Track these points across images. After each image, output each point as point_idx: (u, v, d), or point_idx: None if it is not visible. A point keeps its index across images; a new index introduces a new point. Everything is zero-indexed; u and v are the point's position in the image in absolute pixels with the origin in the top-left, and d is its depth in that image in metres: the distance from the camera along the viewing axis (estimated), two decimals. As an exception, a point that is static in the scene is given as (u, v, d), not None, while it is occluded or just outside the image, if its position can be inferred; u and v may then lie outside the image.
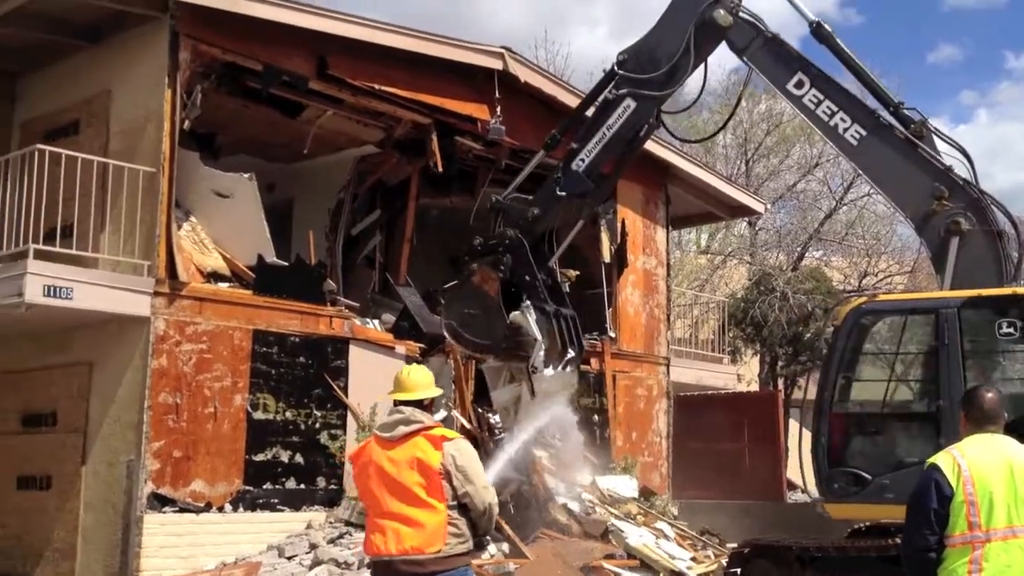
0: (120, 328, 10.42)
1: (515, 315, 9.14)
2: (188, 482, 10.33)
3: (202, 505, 10.40)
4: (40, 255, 9.90)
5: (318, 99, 12.67)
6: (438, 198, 15.47)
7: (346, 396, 11.76)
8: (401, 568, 4.93)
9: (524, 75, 13.68)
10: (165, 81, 10.66)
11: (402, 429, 5.14)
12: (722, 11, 9.13)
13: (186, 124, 11.06)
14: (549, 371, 9.27)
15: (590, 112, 10.30)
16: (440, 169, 13.59)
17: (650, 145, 15.97)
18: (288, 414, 11.28)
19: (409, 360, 12.64)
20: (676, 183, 16.69)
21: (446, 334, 9.21)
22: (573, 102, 14.36)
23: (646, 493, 13.75)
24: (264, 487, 10.96)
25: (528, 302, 9.07)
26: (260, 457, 10.96)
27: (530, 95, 13.97)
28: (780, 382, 23.96)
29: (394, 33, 12.33)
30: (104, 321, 10.41)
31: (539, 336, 8.99)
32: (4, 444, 11.60)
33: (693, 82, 10.24)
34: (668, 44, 9.07)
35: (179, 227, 11.03)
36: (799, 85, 9.08)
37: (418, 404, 5.27)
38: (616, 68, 9.15)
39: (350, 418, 11.74)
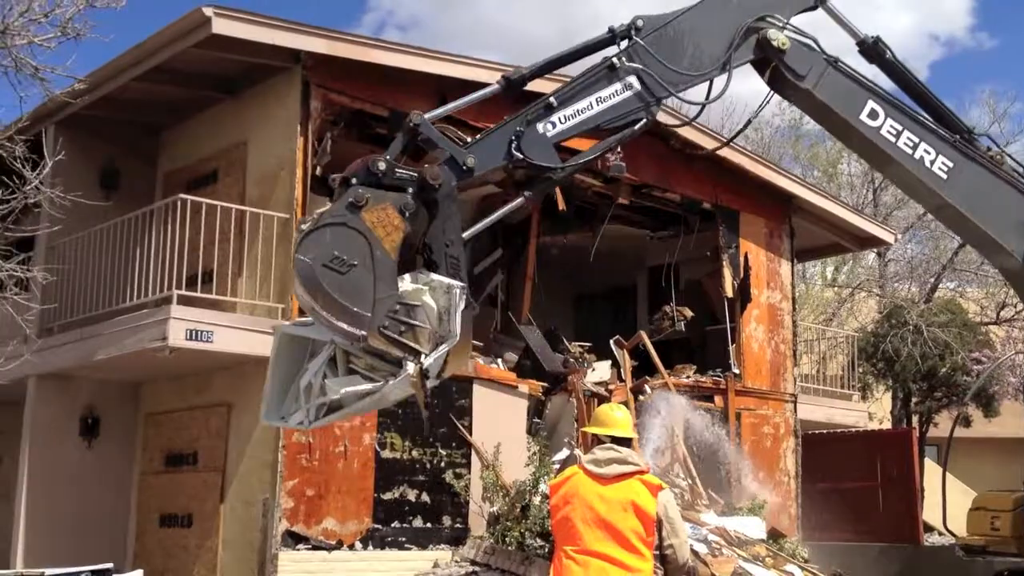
0: (257, 369, 10.77)
1: (411, 287, 6.33)
2: (320, 520, 10.62)
3: (334, 543, 10.68)
4: (182, 300, 10.38)
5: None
6: (558, 236, 15.59)
7: (470, 435, 11.91)
8: None
9: (642, 112, 13.67)
10: (297, 130, 11.09)
11: (616, 468, 5.16)
12: (776, 32, 7.48)
13: (317, 170, 11.46)
14: (434, 382, 6.48)
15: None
16: (562, 207, 13.69)
17: (773, 176, 15.81)
18: (414, 453, 11.49)
19: (531, 399, 12.76)
20: (800, 215, 16.42)
21: (297, 277, 6.17)
22: (695, 137, 14.40)
23: (775, 535, 13.46)
24: (392, 525, 11.18)
25: (448, 281, 6.30)
26: (388, 496, 11.19)
27: (648, 130, 13.92)
28: (915, 419, 23.13)
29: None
30: (241, 363, 10.81)
31: (459, 333, 6.38)
32: (148, 483, 12.14)
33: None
34: (700, 37, 7.43)
35: (311, 270, 11.38)
36: (873, 115, 7.78)
37: (624, 443, 5.30)
38: (632, 34, 7.29)
39: (474, 457, 11.88)
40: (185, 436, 11.65)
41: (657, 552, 5.17)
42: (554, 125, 7.04)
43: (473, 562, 10.87)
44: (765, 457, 15.14)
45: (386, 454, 11.22)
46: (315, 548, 10.52)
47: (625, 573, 4.99)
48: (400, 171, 6.30)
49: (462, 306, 6.20)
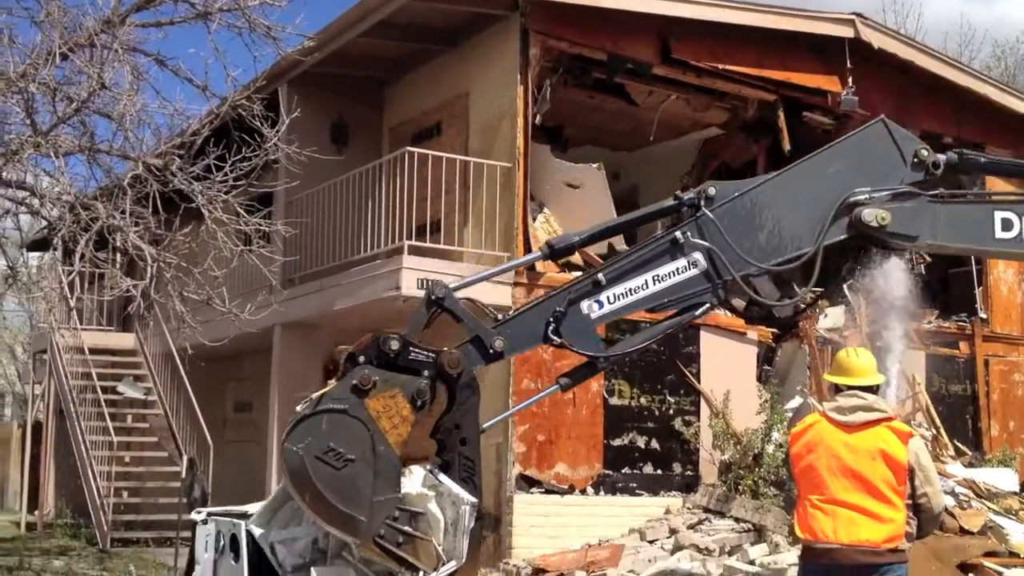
0: (485, 318, 10.95)
1: (415, 491, 5.52)
2: (552, 465, 10.72)
3: (566, 487, 10.77)
4: (413, 250, 10.64)
5: (661, 84, 12.67)
6: (785, 177, 14.98)
7: (698, 383, 11.69)
8: (852, 556, 4.82)
9: (878, 41, 12.92)
10: (517, 79, 11.08)
11: (862, 416, 5.00)
12: (870, 210, 6.15)
13: (537, 119, 11.46)
14: None
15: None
16: (788, 148, 13.15)
17: (1009, 99, 14.60)
18: (642, 400, 11.39)
19: (760, 346, 12.38)
20: (1054, 146, 15.12)
21: (284, 470, 5.49)
22: (931, 65, 13.50)
23: (1029, 488, 12.59)
24: (623, 471, 11.16)
25: (457, 491, 5.43)
26: (617, 442, 11.16)
27: (883, 62, 13.20)
28: None
29: (739, 10, 12.06)
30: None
31: (465, 555, 5.47)
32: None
33: None
34: (781, 212, 6.29)
35: (534, 219, 11.45)
36: (1007, 225, 6.58)
37: (868, 390, 5.11)
38: (701, 204, 6.21)
39: (703, 405, 11.66)
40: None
41: (909, 502, 4.97)
42: (600, 305, 6.14)
43: (705, 509, 10.70)
44: (1017, 406, 14.19)
45: (614, 401, 11.18)
46: (548, 492, 10.64)
47: (876, 523, 4.82)
48: (415, 352, 5.60)
49: (471, 525, 5.38)
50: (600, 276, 6.04)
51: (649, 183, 14.91)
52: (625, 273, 6.08)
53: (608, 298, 6.11)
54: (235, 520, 5.98)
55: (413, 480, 5.41)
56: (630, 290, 6.14)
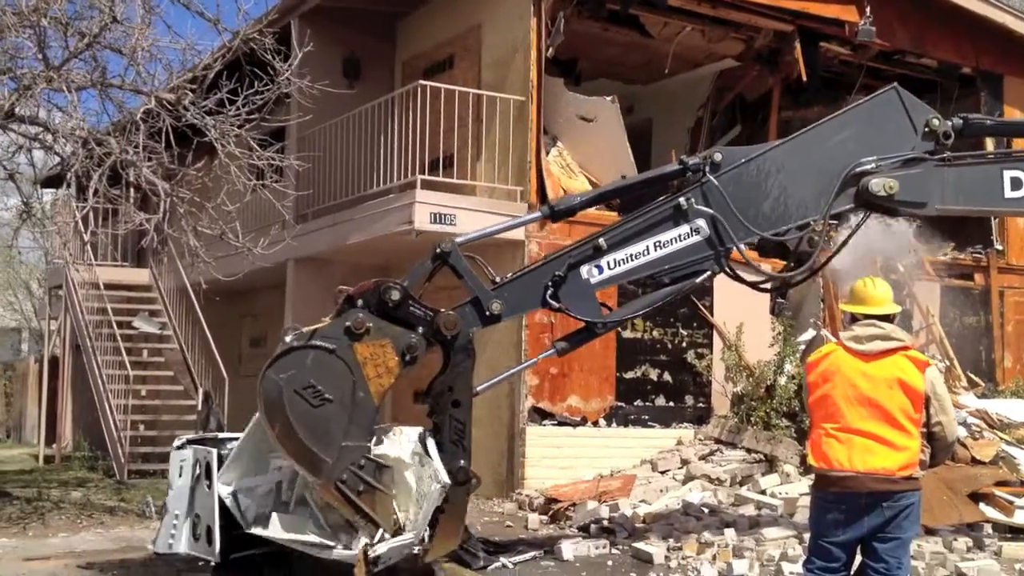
0: (497, 252, 10.92)
1: (394, 454, 5.44)
2: (564, 397, 10.82)
3: (578, 419, 10.88)
4: (426, 185, 10.61)
5: (676, 15, 12.50)
6: (800, 110, 14.83)
7: (711, 315, 11.71)
8: (867, 484, 4.84)
9: (895, -30, 12.70)
10: (531, 11, 10.98)
11: (879, 344, 4.99)
12: (878, 179, 6.16)
13: (550, 52, 11.34)
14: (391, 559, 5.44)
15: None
16: (804, 78, 13.00)
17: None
18: (655, 333, 11.44)
19: (774, 280, 12.35)
20: (1076, 76, 14.90)
21: (260, 397, 5.37)
22: (957, -1, 13.32)
23: (1041, 420, 12.62)
24: (635, 404, 11.25)
25: (437, 467, 5.37)
26: (630, 375, 11.24)
27: (903, -9, 13.02)
28: None
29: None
30: (482, 245, 10.88)
31: (424, 531, 5.37)
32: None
33: None
34: (787, 179, 6.20)
35: (547, 153, 11.39)
36: (1016, 184, 6.58)
37: (885, 319, 5.10)
38: (706, 170, 6.20)
39: (716, 337, 11.70)
40: (432, 316, 12.05)
41: (923, 430, 4.99)
42: (600, 270, 6.13)
43: (717, 440, 10.80)
44: (1031, 338, 14.22)
45: (627, 334, 11.22)
46: (560, 424, 10.75)
47: (891, 451, 4.84)
48: (414, 306, 5.60)
49: (437, 503, 5.34)
50: (601, 241, 6.07)
51: (663, 116, 14.80)
52: (627, 238, 6.10)
53: (608, 263, 6.14)
54: (210, 448, 6.02)
55: (403, 444, 5.43)
56: (631, 255, 6.18)
